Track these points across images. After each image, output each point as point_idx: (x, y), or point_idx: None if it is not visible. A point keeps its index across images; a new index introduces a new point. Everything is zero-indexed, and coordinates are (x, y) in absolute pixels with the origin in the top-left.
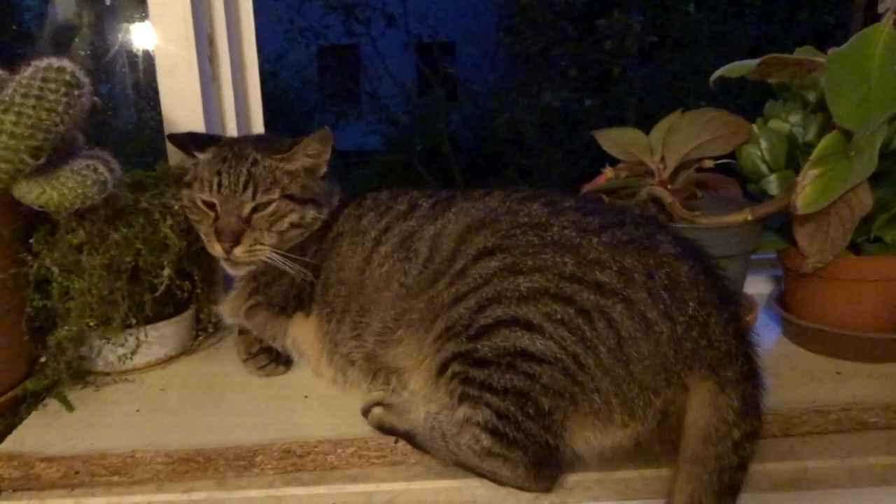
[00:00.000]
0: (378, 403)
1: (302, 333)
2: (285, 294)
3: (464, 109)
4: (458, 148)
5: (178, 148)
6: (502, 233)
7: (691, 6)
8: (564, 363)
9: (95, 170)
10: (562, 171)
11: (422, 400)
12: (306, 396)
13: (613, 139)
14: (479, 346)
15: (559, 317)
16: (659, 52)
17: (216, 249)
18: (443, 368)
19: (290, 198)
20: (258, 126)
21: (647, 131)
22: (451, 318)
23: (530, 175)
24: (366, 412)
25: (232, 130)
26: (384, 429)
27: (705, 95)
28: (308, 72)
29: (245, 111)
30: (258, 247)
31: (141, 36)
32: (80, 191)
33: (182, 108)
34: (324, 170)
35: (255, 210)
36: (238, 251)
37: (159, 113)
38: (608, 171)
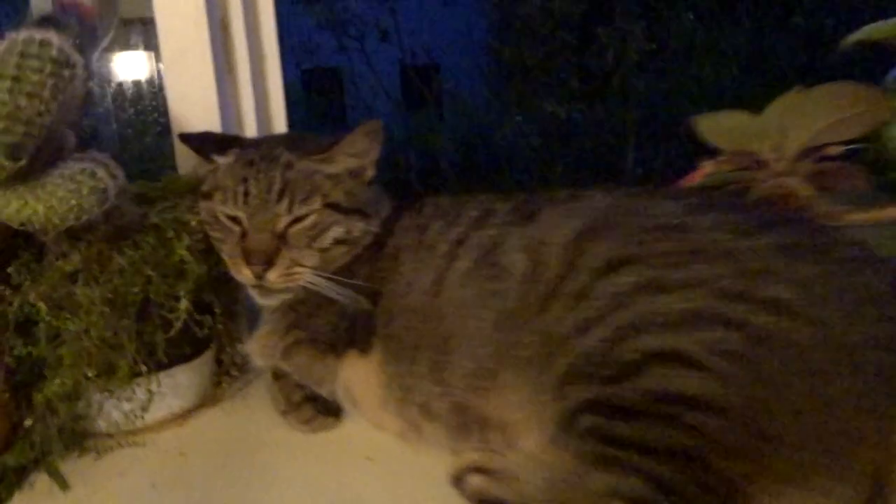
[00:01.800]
0: (476, 469)
1: (357, 376)
2: (333, 327)
3: (457, 125)
4: (453, 163)
5: (192, 150)
6: (630, 239)
7: (690, 14)
8: (741, 409)
9: (93, 175)
10: (567, 182)
11: (538, 464)
12: (369, 458)
13: (714, 124)
14: (621, 391)
15: (727, 347)
16: (657, 62)
17: (244, 274)
18: (570, 421)
19: (334, 207)
20: (280, 125)
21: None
22: (579, 353)
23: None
24: (458, 480)
25: (251, 131)
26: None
27: (705, 104)
28: (292, 92)
29: (265, 108)
30: (296, 269)
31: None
32: (73, 202)
33: (192, 105)
34: (371, 173)
35: (291, 224)
36: (272, 275)
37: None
38: (708, 165)
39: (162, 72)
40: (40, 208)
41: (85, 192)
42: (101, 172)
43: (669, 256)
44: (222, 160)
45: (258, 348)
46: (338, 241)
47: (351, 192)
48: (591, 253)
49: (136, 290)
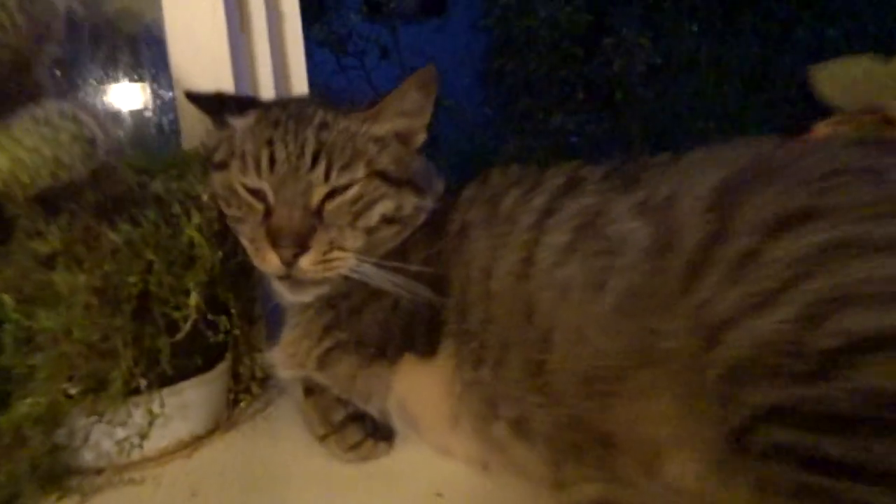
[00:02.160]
0: None
1: (418, 388)
2: (384, 326)
3: (458, 143)
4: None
5: (202, 110)
6: (805, 187)
7: (694, 25)
8: None
9: (75, 118)
10: None
11: (692, 500)
12: (438, 494)
13: (835, 75)
14: (824, 392)
15: None
16: (661, 74)
17: (269, 262)
18: (746, 438)
19: (381, 177)
20: (302, 90)
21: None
22: (752, 341)
23: None
24: None
25: (269, 96)
26: None
27: (710, 118)
28: None
29: (284, 72)
30: (336, 254)
31: None
32: (48, 153)
33: (200, 67)
34: (422, 137)
35: (329, 197)
36: (306, 262)
37: None
38: (822, 126)
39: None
40: (3, 161)
41: (64, 141)
42: (86, 118)
43: (865, 207)
44: (240, 122)
45: (285, 357)
46: (386, 220)
47: (400, 159)
48: (750, 208)
49: (132, 279)
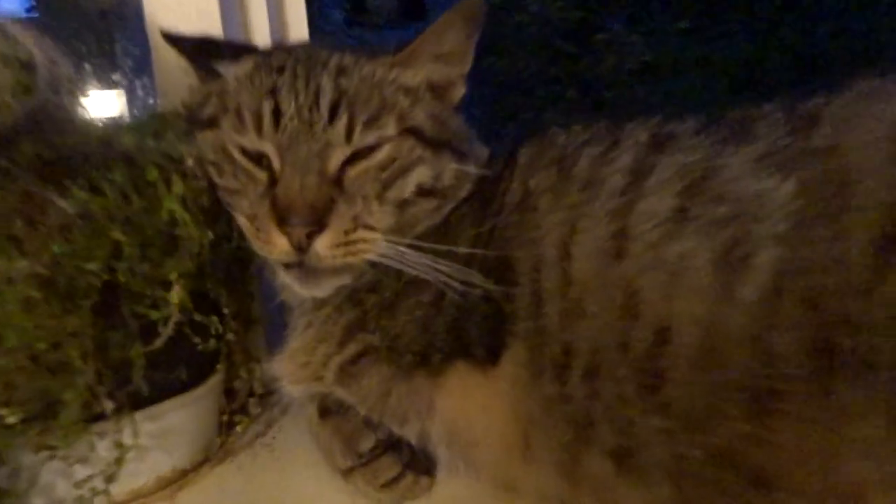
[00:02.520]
0: None
1: (472, 406)
2: (426, 326)
3: None
4: None
5: (184, 55)
6: None
7: (683, 23)
8: None
9: (5, 36)
10: None
11: None
12: None
13: None
14: None
15: None
16: (649, 73)
17: (276, 245)
18: None
19: (417, 136)
20: (301, 34)
21: None
22: None
23: None
24: None
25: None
26: None
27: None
28: None
29: (279, 16)
30: (362, 234)
31: None
32: None
33: (180, 12)
34: (461, 91)
35: (351, 160)
36: (323, 244)
37: None
38: None
39: None
40: None
41: None
42: (21, 36)
43: None
44: (233, 70)
45: (295, 367)
46: (423, 191)
47: (437, 115)
48: None
49: (92, 266)
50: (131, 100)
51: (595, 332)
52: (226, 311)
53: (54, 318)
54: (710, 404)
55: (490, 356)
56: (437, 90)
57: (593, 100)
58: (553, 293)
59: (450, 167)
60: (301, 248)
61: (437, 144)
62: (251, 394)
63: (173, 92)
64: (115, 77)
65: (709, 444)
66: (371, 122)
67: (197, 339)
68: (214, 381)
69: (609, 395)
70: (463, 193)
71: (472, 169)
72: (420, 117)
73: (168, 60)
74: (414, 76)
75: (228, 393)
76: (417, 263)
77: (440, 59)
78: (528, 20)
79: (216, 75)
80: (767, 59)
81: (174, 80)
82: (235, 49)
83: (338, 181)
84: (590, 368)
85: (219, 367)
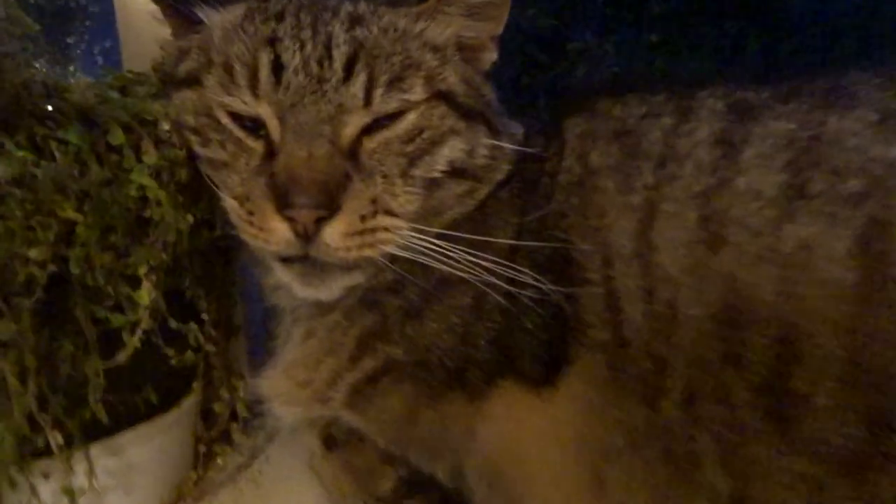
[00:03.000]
0: None
1: (523, 436)
2: (463, 336)
3: None
4: None
5: (161, 1)
6: None
7: (653, 35)
8: None
9: None
10: None
11: None
12: None
13: None
14: None
15: None
16: (619, 84)
17: (274, 232)
18: None
19: (449, 102)
20: None
21: None
22: None
23: None
24: None
25: None
26: None
27: None
28: None
29: None
30: (382, 220)
31: None
32: None
33: None
34: (492, 56)
35: (370, 129)
36: (334, 232)
37: None
38: None
39: None
40: None
41: None
42: None
43: None
44: (219, 17)
45: (290, 386)
46: (455, 169)
47: (470, 80)
48: None
49: (34, 253)
50: (87, 73)
51: (694, 343)
52: (205, 316)
53: None
54: (868, 441)
55: (547, 373)
56: (467, 52)
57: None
58: (634, 294)
59: (484, 143)
60: (306, 237)
61: (470, 114)
62: (233, 417)
63: (141, 55)
64: (69, 41)
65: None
66: (395, 83)
67: (170, 352)
68: (189, 404)
69: (720, 426)
70: (499, 175)
71: (507, 148)
72: (452, 80)
73: (134, 14)
74: (443, 31)
75: (206, 417)
76: (451, 258)
77: (474, 13)
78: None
79: (197, 24)
80: (734, 73)
81: (143, 40)
82: None
83: (353, 154)
84: (691, 389)
85: (195, 385)
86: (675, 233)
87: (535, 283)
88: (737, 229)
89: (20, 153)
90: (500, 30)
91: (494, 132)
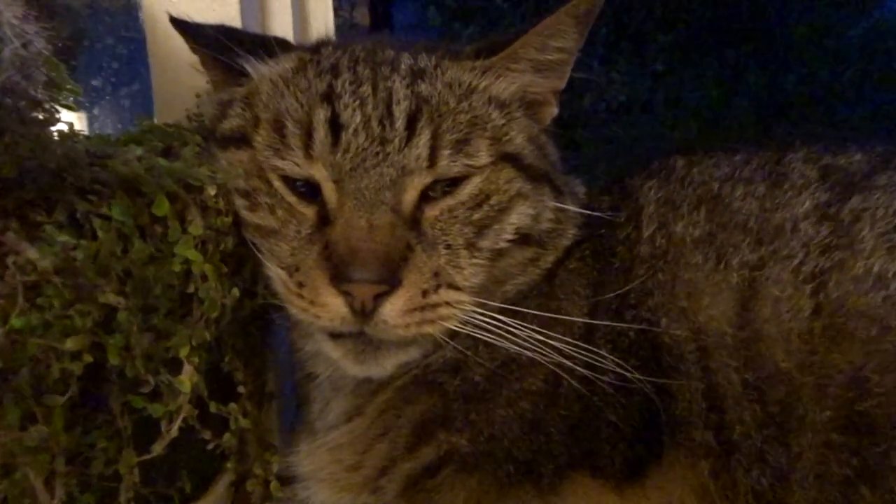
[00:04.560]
0: None
1: None
2: (534, 425)
3: None
4: None
5: (200, 50)
6: None
7: (658, 65)
8: None
9: None
10: None
11: None
12: None
13: None
14: None
15: None
16: (624, 112)
17: (328, 308)
18: None
19: (515, 163)
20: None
21: None
22: None
23: None
24: None
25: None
26: None
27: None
28: None
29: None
30: (445, 295)
31: None
32: None
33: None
34: (554, 110)
35: (429, 194)
36: (393, 309)
37: None
38: None
39: None
40: None
41: None
42: None
43: None
44: (267, 69)
45: (335, 469)
46: (520, 238)
47: (535, 139)
48: None
49: (72, 344)
50: (112, 117)
51: (820, 455)
52: (241, 389)
53: (6, 431)
54: None
55: (631, 469)
56: (531, 107)
57: (570, 138)
58: (740, 391)
59: (550, 206)
60: (363, 314)
61: (536, 176)
62: (267, 497)
63: (175, 103)
64: (94, 83)
65: None
66: (461, 144)
67: (207, 435)
68: (223, 486)
69: None
70: (565, 241)
71: (573, 208)
72: (518, 140)
73: (169, 59)
74: (508, 86)
75: (237, 494)
76: (517, 335)
77: (541, 69)
78: None
79: (239, 76)
80: (735, 103)
81: (177, 87)
82: (266, 41)
83: (415, 222)
84: (829, 479)
85: (228, 465)
86: (785, 321)
87: (618, 369)
88: (862, 322)
89: (61, 237)
90: (563, 84)
91: (559, 193)
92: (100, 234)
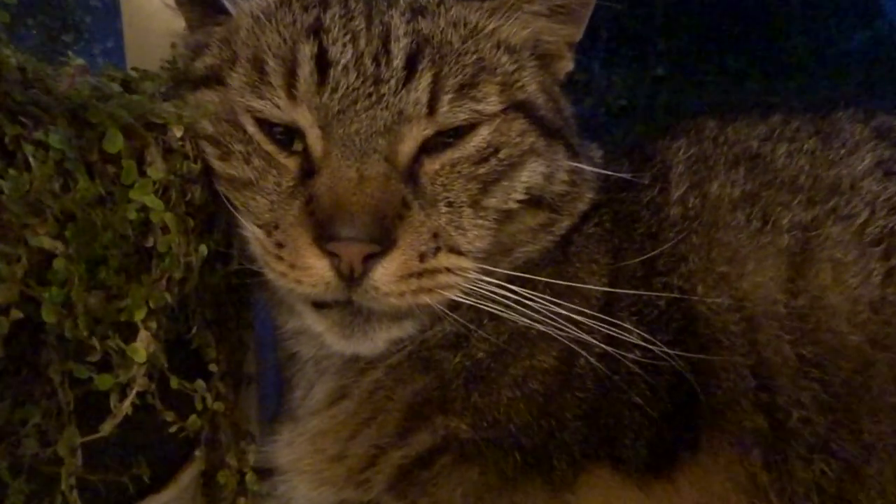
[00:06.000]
0: None
1: None
2: (544, 409)
3: None
4: None
5: None
6: None
7: (660, 69)
8: None
9: None
10: None
11: None
12: None
13: None
14: None
15: None
16: (624, 116)
17: (311, 271)
18: None
19: (529, 113)
20: None
21: None
22: None
23: None
24: None
25: None
26: None
27: None
28: None
29: None
30: (445, 260)
31: None
32: None
33: None
34: (569, 65)
35: (430, 146)
36: (385, 274)
37: None
38: None
39: None
40: None
41: None
42: None
43: None
44: (247, 4)
45: (316, 460)
46: (532, 199)
47: (549, 90)
48: None
49: None
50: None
51: None
52: (213, 367)
53: None
54: None
55: (660, 461)
56: (544, 58)
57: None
58: (797, 368)
59: (564, 165)
60: (351, 279)
61: (550, 131)
62: (242, 489)
63: (149, 54)
64: (65, 38)
65: None
66: (466, 89)
67: (169, 416)
68: (189, 477)
69: None
70: (581, 206)
71: (589, 168)
72: (531, 88)
73: (141, 5)
74: (520, 30)
75: (208, 486)
76: (528, 306)
77: (556, 13)
78: None
79: (219, 14)
80: (736, 109)
81: (151, 35)
82: None
83: (412, 176)
84: None
85: (197, 453)
86: (851, 288)
87: (644, 343)
88: None
89: None
90: (579, 35)
91: (573, 153)
92: (33, 164)
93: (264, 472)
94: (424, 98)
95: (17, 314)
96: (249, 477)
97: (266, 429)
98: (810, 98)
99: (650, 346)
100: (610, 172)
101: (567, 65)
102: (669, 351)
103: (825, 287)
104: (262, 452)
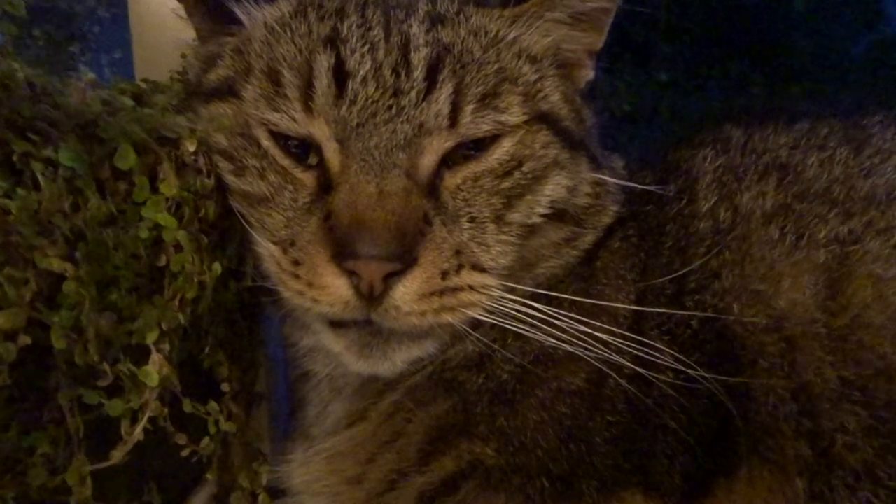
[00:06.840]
0: None
1: None
2: (571, 434)
3: None
4: None
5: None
6: None
7: (663, 75)
8: None
9: None
10: None
11: None
12: None
13: None
14: None
15: None
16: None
17: (329, 290)
18: None
19: (552, 125)
20: None
21: None
22: None
23: None
24: None
25: None
26: None
27: None
28: None
29: None
30: (468, 278)
31: None
32: None
33: None
34: (590, 73)
35: (450, 159)
36: (406, 293)
37: None
38: None
39: None
40: None
41: None
42: None
43: None
44: (262, 13)
45: (332, 482)
46: (557, 213)
47: (572, 100)
48: None
49: (5, 319)
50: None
51: None
52: (225, 387)
53: None
54: None
55: (694, 488)
56: (565, 67)
57: None
58: (839, 391)
59: (587, 178)
60: (370, 297)
61: (574, 143)
62: None
63: (158, 65)
64: (72, 49)
65: None
66: (488, 98)
67: (181, 439)
68: (201, 501)
69: None
70: (606, 219)
71: (612, 180)
72: (555, 98)
73: (151, 15)
74: (541, 39)
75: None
76: (555, 326)
77: (577, 21)
78: None
79: (229, 24)
80: (758, 115)
81: (160, 46)
82: None
83: (433, 190)
84: None
85: (209, 476)
86: (893, 306)
87: (677, 365)
88: None
89: None
90: (601, 43)
91: (597, 165)
92: (42, 182)
93: (276, 493)
94: (446, 109)
95: (25, 340)
96: (262, 498)
97: (278, 448)
98: (834, 103)
99: (683, 368)
100: (635, 185)
101: (588, 73)
102: (705, 374)
103: (866, 305)
104: (273, 473)
